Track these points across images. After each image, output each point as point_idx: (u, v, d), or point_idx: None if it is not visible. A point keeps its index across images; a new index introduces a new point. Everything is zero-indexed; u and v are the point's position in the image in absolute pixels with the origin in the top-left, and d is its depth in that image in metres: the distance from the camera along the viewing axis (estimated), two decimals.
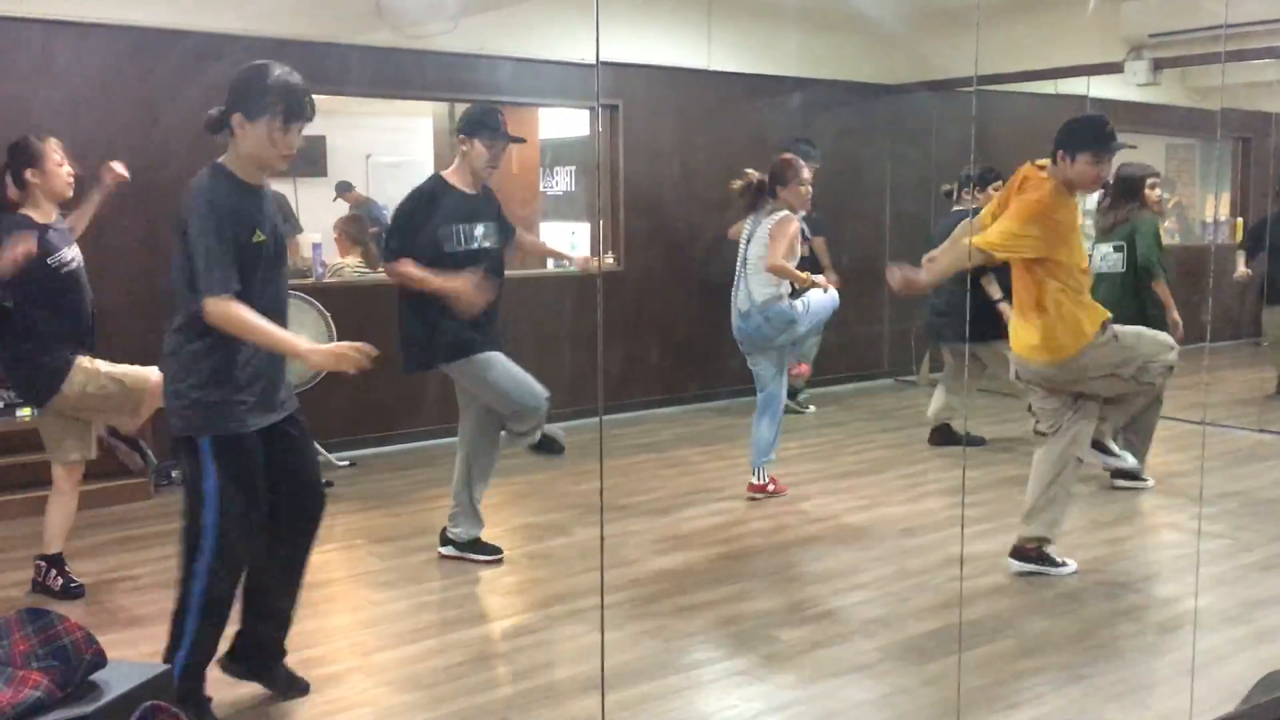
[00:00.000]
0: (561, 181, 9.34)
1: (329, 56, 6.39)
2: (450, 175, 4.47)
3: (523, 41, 7.07)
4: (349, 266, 7.11)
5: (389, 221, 4.87)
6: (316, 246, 7.01)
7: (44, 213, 4.18)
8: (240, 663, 3.40)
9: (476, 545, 4.70)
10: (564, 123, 9.08)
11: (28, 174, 4.13)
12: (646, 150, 7.74)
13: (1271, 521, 5.23)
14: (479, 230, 4.45)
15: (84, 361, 4.22)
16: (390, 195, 6.76)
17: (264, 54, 6.48)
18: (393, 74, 6.73)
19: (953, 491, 5.74)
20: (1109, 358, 4.33)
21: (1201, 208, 12.18)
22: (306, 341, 3.06)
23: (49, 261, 4.12)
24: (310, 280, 6.71)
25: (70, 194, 4.26)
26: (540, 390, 4.49)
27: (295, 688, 3.43)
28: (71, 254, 4.24)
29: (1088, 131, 4.26)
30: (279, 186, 8.48)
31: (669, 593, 4.33)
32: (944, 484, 5.93)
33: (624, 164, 7.65)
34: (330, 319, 6.13)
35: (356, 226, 7.58)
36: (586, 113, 8.30)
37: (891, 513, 5.43)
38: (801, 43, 8.26)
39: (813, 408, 7.89)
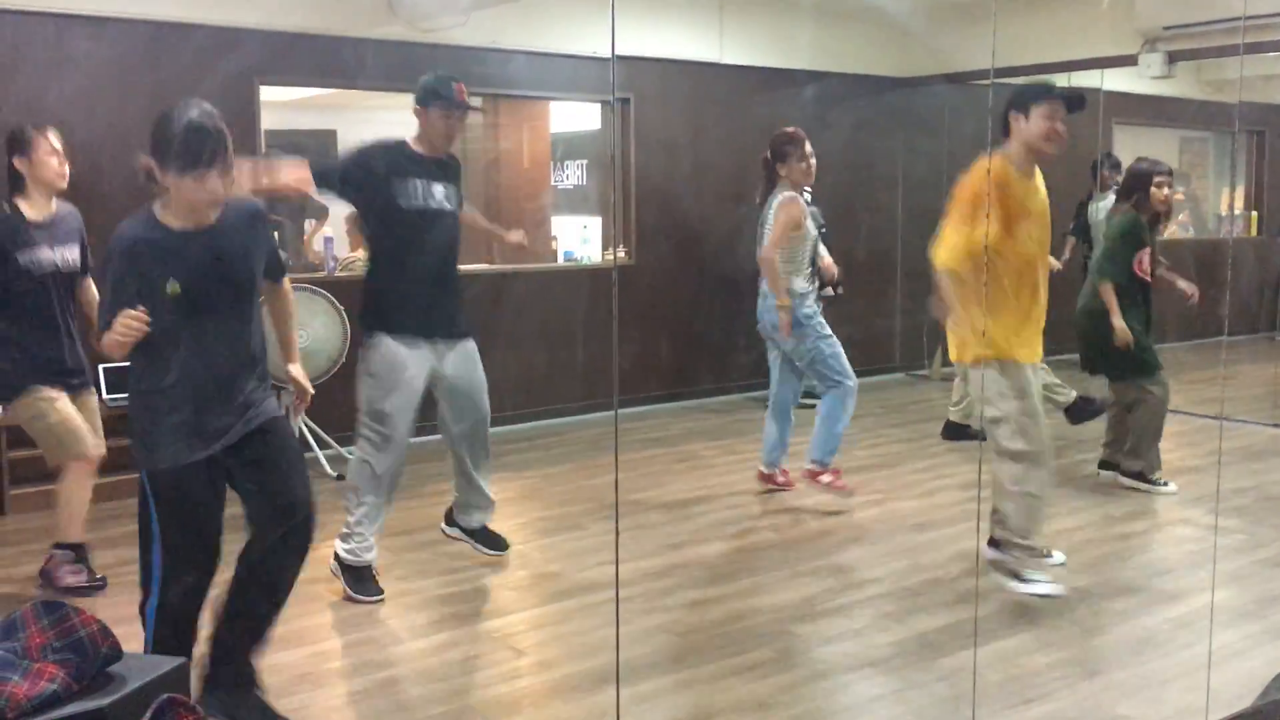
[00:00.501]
0: (573, 175, 9.33)
1: (341, 50, 6.40)
2: (412, 141, 4.24)
3: (534, 35, 7.07)
4: (360, 260, 7.11)
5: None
6: (328, 240, 7.03)
7: (37, 206, 4.08)
8: (208, 693, 3.09)
9: (484, 534, 4.59)
10: (575, 116, 9.07)
11: (16, 162, 4.05)
12: (658, 144, 7.72)
13: None
14: (438, 190, 4.21)
15: (45, 396, 4.08)
16: None
17: (277, 47, 6.55)
18: (405, 68, 6.71)
19: (966, 486, 5.72)
20: (990, 390, 4.02)
21: (1215, 201, 12.13)
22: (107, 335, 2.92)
23: (18, 257, 4.01)
24: (322, 274, 6.73)
25: (62, 185, 4.14)
26: (401, 433, 4.21)
27: None
28: (51, 256, 4.09)
29: (1033, 88, 4.16)
30: None
31: (681, 587, 4.33)
32: (957, 479, 5.91)
33: (635, 158, 7.64)
34: (344, 312, 6.14)
35: None
36: (598, 106, 8.29)
37: (904, 507, 5.41)
38: (814, 35, 8.24)
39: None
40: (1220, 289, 7.72)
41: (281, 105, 8.68)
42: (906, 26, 8.36)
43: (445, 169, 4.31)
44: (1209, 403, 7.00)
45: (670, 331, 7.91)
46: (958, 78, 8.52)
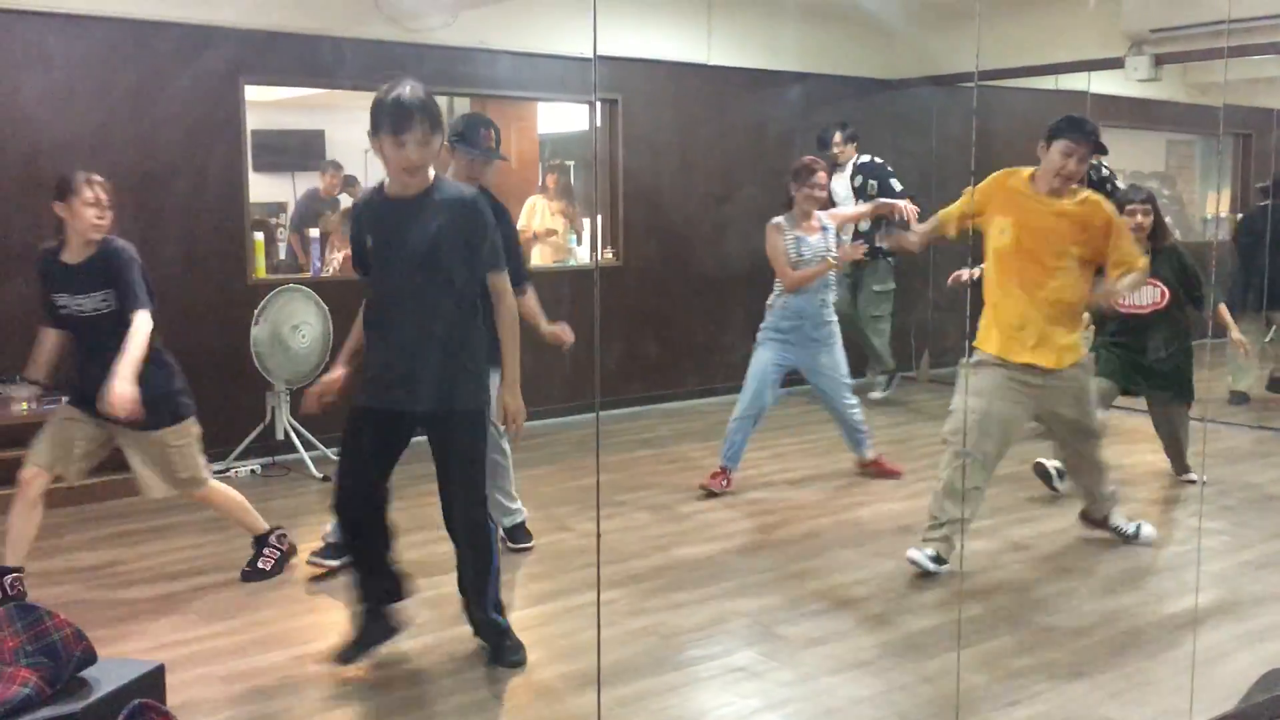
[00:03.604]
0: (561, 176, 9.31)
1: (324, 50, 6.37)
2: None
3: (521, 35, 7.04)
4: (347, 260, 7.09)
5: None
6: (314, 241, 6.99)
7: (73, 251, 4.09)
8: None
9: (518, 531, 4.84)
10: (563, 117, 9.06)
11: (56, 207, 4.07)
12: (646, 145, 7.71)
13: (1270, 518, 5.22)
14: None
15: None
16: None
17: (261, 46, 6.48)
18: (391, 68, 6.69)
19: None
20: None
21: (1202, 204, 12.17)
22: None
23: (53, 297, 4.11)
24: (308, 275, 6.69)
25: (98, 236, 4.09)
26: None
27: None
28: (78, 303, 4.10)
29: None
30: (276, 179, 8.49)
31: (666, 589, 4.31)
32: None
33: (623, 159, 7.62)
34: (328, 312, 6.11)
35: None
36: (586, 107, 8.27)
37: (891, 509, 5.41)
38: (801, 37, 8.24)
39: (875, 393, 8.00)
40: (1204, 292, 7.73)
41: (268, 105, 8.64)
42: (892, 28, 8.37)
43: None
44: (1194, 405, 7.00)
45: (658, 331, 7.90)
46: (943, 80, 8.53)
